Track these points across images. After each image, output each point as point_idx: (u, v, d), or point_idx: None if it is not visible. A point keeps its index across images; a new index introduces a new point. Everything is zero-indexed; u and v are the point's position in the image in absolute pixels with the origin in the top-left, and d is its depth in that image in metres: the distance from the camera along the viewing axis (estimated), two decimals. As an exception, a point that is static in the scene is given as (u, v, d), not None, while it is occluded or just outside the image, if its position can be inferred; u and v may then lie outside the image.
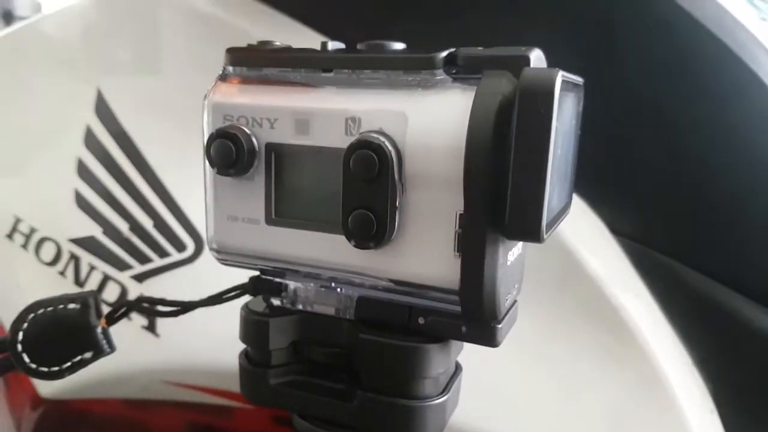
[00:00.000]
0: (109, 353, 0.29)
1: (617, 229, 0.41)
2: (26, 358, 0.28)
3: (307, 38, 0.45)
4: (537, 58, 0.24)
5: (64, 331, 0.29)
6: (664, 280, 0.40)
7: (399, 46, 0.27)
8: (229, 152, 0.27)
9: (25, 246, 0.49)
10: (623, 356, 0.40)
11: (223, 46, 0.29)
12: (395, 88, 0.26)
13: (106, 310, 0.30)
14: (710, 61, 0.38)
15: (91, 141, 0.50)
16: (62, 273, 0.47)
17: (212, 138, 0.27)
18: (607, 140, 0.40)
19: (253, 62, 0.28)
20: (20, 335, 0.28)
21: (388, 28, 0.44)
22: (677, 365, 0.41)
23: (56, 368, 0.28)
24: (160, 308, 0.31)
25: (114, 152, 0.49)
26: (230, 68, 0.29)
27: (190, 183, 0.47)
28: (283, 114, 0.27)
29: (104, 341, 0.29)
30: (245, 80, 0.29)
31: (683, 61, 0.39)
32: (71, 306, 0.29)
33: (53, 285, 0.47)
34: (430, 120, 0.25)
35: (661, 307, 0.41)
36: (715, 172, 0.40)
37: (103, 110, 0.51)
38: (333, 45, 0.28)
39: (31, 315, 0.29)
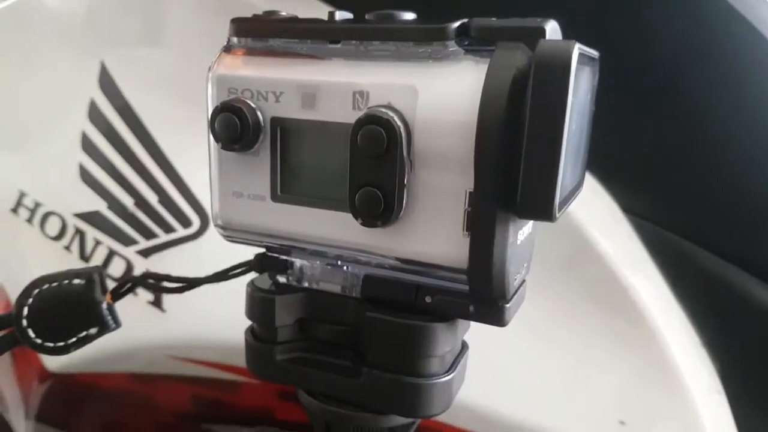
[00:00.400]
0: (114, 329, 0.29)
1: (628, 208, 0.40)
2: (31, 333, 0.28)
3: (316, 11, 0.43)
4: (552, 29, 0.23)
5: (69, 307, 0.28)
6: (675, 260, 0.39)
7: (409, 16, 0.26)
8: (233, 126, 0.26)
9: (30, 220, 0.49)
10: (632, 337, 0.40)
11: (228, 17, 0.29)
12: (405, 60, 0.25)
13: (111, 285, 0.30)
14: (730, 39, 0.36)
15: (95, 115, 0.50)
16: (67, 248, 0.47)
17: (216, 112, 0.27)
18: (619, 118, 0.39)
19: (258, 33, 0.28)
20: (25, 310, 0.28)
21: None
22: (686, 346, 0.40)
23: (61, 343, 0.28)
24: (166, 284, 0.30)
25: (119, 126, 0.49)
26: (235, 39, 0.28)
27: (196, 158, 0.47)
28: (289, 87, 0.27)
29: (109, 317, 0.28)
30: (250, 52, 0.28)
31: (701, 38, 0.37)
32: (76, 281, 0.29)
33: (59, 259, 0.47)
34: (441, 94, 0.24)
35: (671, 288, 0.40)
36: (728, 152, 0.39)
37: (107, 84, 0.50)
38: (340, 15, 0.27)
39: (36, 290, 0.29)
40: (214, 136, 0.27)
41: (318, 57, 0.26)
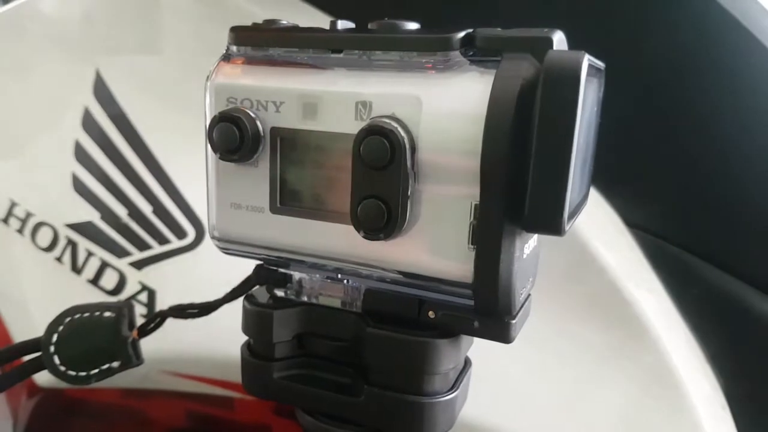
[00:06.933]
0: (136, 365, 0.30)
1: (631, 221, 0.39)
2: (57, 360, 0.29)
3: (318, 21, 0.43)
4: (559, 40, 0.23)
5: (97, 339, 0.29)
6: (678, 274, 0.39)
7: (413, 25, 0.26)
8: (232, 137, 0.26)
9: (21, 231, 0.48)
10: (635, 351, 0.39)
11: (227, 25, 0.28)
12: (409, 70, 0.24)
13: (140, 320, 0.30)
14: (733, 49, 0.36)
15: (89, 123, 0.49)
16: (59, 259, 0.46)
17: (215, 121, 0.26)
18: (623, 130, 0.39)
19: (258, 42, 0.27)
20: (54, 337, 0.29)
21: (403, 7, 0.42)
22: (690, 361, 0.40)
23: (83, 374, 0.29)
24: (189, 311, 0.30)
25: (113, 135, 0.48)
26: (234, 48, 0.28)
27: (191, 168, 0.46)
28: (289, 97, 0.26)
29: (133, 353, 0.29)
30: (250, 61, 0.27)
31: (704, 49, 0.37)
32: (107, 314, 0.29)
33: (50, 271, 0.46)
34: (445, 104, 0.23)
35: (675, 302, 0.40)
36: (731, 165, 0.39)
37: (101, 92, 0.50)
38: (342, 24, 0.27)
39: (68, 318, 0.29)
40: (212, 146, 0.26)
41: (319, 66, 0.26)
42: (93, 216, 0.45)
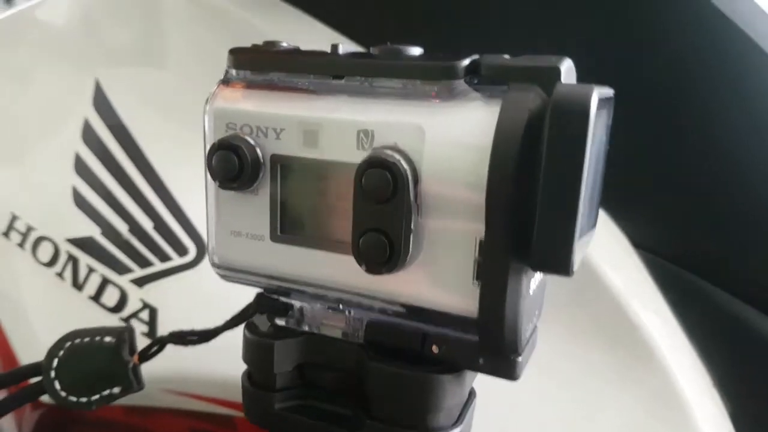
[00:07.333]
0: (137, 390, 0.29)
1: (639, 243, 0.39)
2: (57, 385, 0.29)
3: (322, 35, 0.42)
4: (568, 69, 0.22)
5: (98, 364, 0.29)
6: (686, 297, 0.38)
7: (416, 51, 0.25)
8: (231, 166, 0.25)
9: (21, 245, 0.47)
10: (641, 375, 0.39)
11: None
12: (412, 98, 0.24)
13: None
14: (748, 71, 0.35)
15: (89, 135, 0.48)
16: (60, 274, 0.46)
17: (214, 149, 0.25)
18: (629, 151, 0.38)
19: (257, 66, 0.26)
20: (55, 362, 0.29)
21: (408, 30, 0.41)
22: (696, 384, 0.39)
23: (84, 399, 0.29)
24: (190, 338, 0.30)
25: (113, 148, 0.47)
26: (233, 71, 0.27)
27: (193, 183, 0.46)
28: (290, 124, 0.25)
29: (134, 378, 0.29)
30: (250, 85, 0.27)
31: (711, 68, 0.36)
32: (107, 339, 0.29)
33: (51, 286, 0.46)
34: (449, 135, 0.23)
35: (682, 325, 0.39)
36: (740, 187, 0.38)
37: (101, 103, 0.49)
38: (344, 49, 0.26)
39: (69, 343, 0.29)
40: (211, 174, 0.26)
41: (320, 92, 0.25)
42: (94, 231, 0.45)
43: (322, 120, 0.25)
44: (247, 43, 0.28)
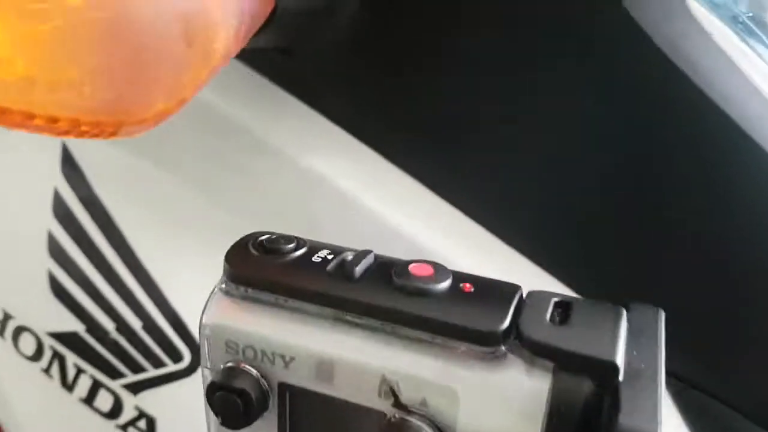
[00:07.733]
0: None
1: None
2: None
3: (328, 131, 0.37)
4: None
5: None
6: (699, 415, 0.37)
7: (445, 282, 0.21)
8: (235, 408, 0.22)
9: (1, 334, 0.44)
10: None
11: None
12: (442, 354, 0.21)
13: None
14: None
15: (60, 209, 0.44)
16: (46, 371, 0.43)
17: (213, 389, 0.22)
18: (647, 278, 0.35)
19: (257, 284, 0.23)
20: None
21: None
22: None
23: None
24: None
25: (87, 226, 0.43)
26: (231, 284, 0.23)
27: (182, 277, 0.42)
28: (300, 354, 0.22)
29: None
30: (252, 298, 0.23)
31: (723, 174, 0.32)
32: None
33: (38, 384, 0.43)
34: (488, 407, 0.20)
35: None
36: (743, 300, 0.35)
37: (70, 169, 0.44)
38: (362, 265, 0.22)
39: None
40: (213, 411, 0.23)
41: (336, 322, 0.22)
42: (77, 327, 0.42)
43: (336, 357, 0.22)
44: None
